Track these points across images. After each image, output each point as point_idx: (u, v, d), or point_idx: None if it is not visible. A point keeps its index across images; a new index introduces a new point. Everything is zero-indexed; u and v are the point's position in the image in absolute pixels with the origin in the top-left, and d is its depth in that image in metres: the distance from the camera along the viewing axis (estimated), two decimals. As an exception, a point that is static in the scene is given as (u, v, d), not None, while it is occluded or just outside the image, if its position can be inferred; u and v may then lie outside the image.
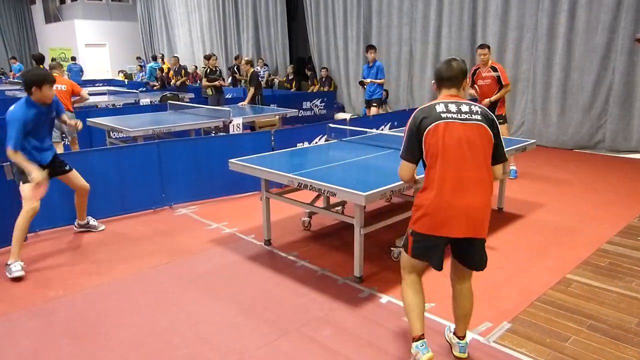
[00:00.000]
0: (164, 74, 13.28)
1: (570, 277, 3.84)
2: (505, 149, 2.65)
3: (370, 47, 8.68)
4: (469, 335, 3.06)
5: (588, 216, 5.23)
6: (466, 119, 2.49)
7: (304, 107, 11.87)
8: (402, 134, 2.64)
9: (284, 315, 3.35)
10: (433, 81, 2.73)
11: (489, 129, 2.52)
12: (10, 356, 2.97)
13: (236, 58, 11.55)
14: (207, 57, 10.21)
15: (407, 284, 2.72)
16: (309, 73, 13.94)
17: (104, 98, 11.45)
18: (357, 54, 12.68)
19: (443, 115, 2.48)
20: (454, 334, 2.87)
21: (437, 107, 2.52)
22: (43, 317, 3.41)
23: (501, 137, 2.60)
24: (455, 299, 2.80)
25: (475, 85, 6.65)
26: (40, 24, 25.26)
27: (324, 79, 13.47)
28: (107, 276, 4.02)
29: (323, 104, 12.31)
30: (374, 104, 8.69)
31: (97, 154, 5.30)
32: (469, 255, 2.65)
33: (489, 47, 6.62)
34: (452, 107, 2.51)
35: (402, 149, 2.64)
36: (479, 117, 2.51)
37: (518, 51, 9.33)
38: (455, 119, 2.48)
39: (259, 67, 15.06)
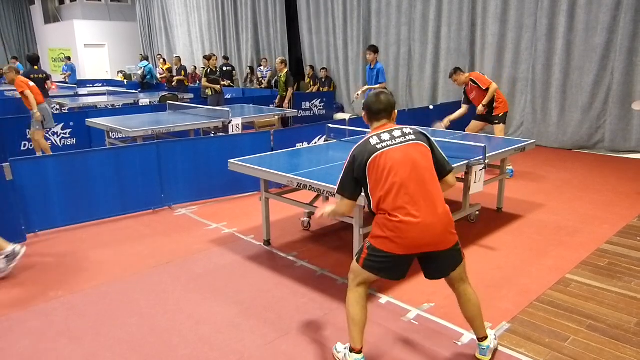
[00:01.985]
0: (169, 74, 13.30)
1: (569, 277, 3.85)
2: (445, 157, 2.74)
3: (369, 48, 8.52)
4: (467, 336, 3.06)
5: (587, 216, 5.23)
6: (401, 142, 2.57)
7: (303, 107, 11.87)
8: (343, 166, 2.69)
9: (283, 316, 3.35)
10: (364, 113, 2.79)
11: (424, 144, 2.63)
12: (10, 356, 2.97)
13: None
14: (208, 58, 10.21)
15: (356, 298, 2.67)
16: (309, 73, 13.94)
17: (103, 98, 11.44)
18: (357, 55, 12.68)
19: (378, 146, 2.55)
20: (477, 338, 2.83)
21: (371, 140, 2.59)
22: (43, 317, 3.41)
23: (437, 147, 2.71)
24: (459, 303, 2.79)
25: (469, 103, 6.98)
26: (39, 24, 25.24)
27: (323, 80, 13.47)
28: (106, 276, 4.02)
29: (322, 104, 12.32)
30: None
31: (96, 154, 5.30)
32: (439, 267, 2.65)
33: (457, 70, 6.94)
34: (385, 136, 2.59)
35: (338, 185, 2.70)
36: (412, 137, 2.61)
37: (517, 51, 9.33)
38: (390, 145, 2.55)
39: (262, 68, 15.06)
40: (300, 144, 6.65)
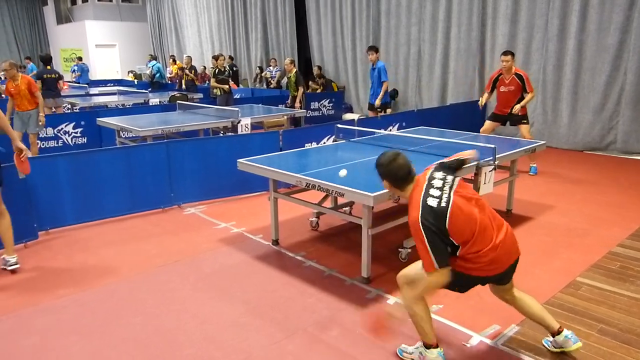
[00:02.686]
0: (182, 73, 13.35)
1: (580, 280, 3.80)
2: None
3: (368, 49, 8.42)
4: (477, 338, 3.03)
5: (598, 218, 5.17)
6: (450, 188, 2.57)
7: (312, 107, 11.86)
8: (422, 241, 2.47)
9: (290, 315, 3.35)
10: (385, 182, 2.71)
11: (460, 178, 2.70)
12: (20, 353, 2.99)
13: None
14: (216, 58, 10.23)
15: (421, 299, 2.64)
16: (317, 72, 13.93)
17: (114, 98, 11.53)
18: (366, 55, 12.57)
19: (443, 204, 2.49)
20: (552, 336, 2.81)
21: (430, 203, 2.49)
22: (52, 314, 3.43)
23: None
24: (518, 309, 2.83)
25: (496, 91, 6.87)
26: (52, 24, 25.48)
27: (316, 79, 13.49)
28: (115, 275, 4.04)
29: (331, 104, 12.31)
30: (378, 110, 8.46)
31: (106, 153, 5.32)
32: (505, 279, 2.71)
33: (512, 54, 6.75)
34: (435, 192, 2.54)
35: (434, 260, 2.45)
36: (450, 178, 2.63)
37: (528, 52, 9.26)
38: (447, 196, 2.52)
39: (271, 67, 15.08)
40: (309, 144, 6.65)
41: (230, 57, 14.33)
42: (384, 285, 3.73)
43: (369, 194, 3.34)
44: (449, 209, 2.48)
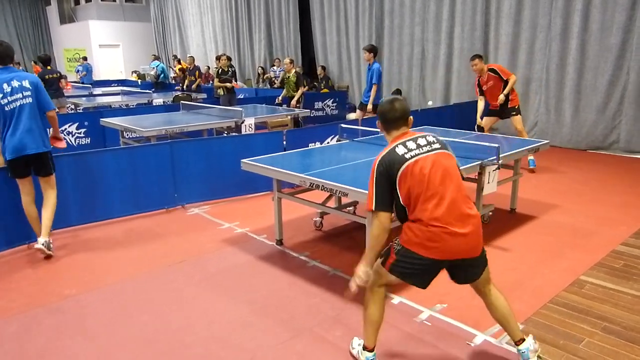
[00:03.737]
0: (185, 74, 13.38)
1: (584, 278, 3.81)
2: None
3: (364, 48, 8.21)
4: (480, 337, 3.05)
5: (602, 217, 5.17)
6: (429, 151, 2.54)
7: (315, 107, 11.88)
8: (371, 180, 2.57)
9: (296, 315, 3.36)
10: (378, 122, 2.74)
11: (450, 153, 2.64)
12: (27, 353, 3.02)
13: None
14: (218, 58, 10.24)
15: (375, 299, 2.68)
16: (321, 73, 13.93)
17: (118, 98, 11.56)
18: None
19: (407, 155, 2.50)
20: (514, 342, 2.70)
21: (397, 150, 2.53)
22: (58, 315, 3.46)
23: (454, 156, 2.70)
24: (487, 305, 2.73)
25: (484, 94, 7.11)
26: (55, 25, 25.53)
27: (320, 78, 13.49)
28: (120, 275, 4.07)
29: (335, 104, 12.32)
30: (359, 109, 8.31)
31: (110, 153, 5.35)
32: (470, 273, 2.63)
33: (479, 57, 7.04)
34: (411, 145, 2.54)
35: (373, 201, 2.53)
36: (438, 146, 2.59)
37: (531, 51, 9.26)
38: (419, 154, 2.51)
39: (275, 67, 15.09)
40: (313, 144, 6.66)
41: (228, 58, 14.34)
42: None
43: (373, 193, 3.34)
44: (411, 161, 2.48)
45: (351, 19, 12.99)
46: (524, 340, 2.66)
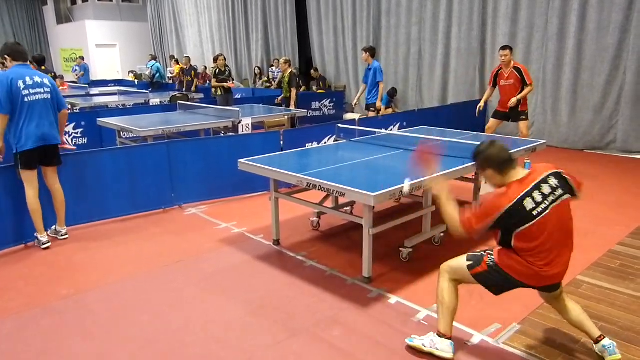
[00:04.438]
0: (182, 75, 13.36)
1: (580, 278, 3.82)
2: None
3: (363, 49, 8.30)
4: (477, 337, 3.05)
5: (599, 217, 5.19)
6: (553, 202, 2.52)
7: (312, 107, 11.87)
8: (487, 216, 2.55)
9: (293, 315, 3.36)
10: (488, 171, 2.66)
11: (570, 196, 2.61)
12: (23, 354, 3.01)
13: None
14: (215, 59, 10.25)
15: (452, 289, 2.75)
16: (315, 75, 13.92)
17: (114, 98, 11.53)
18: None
19: (534, 212, 2.48)
20: (593, 342, 2.78)
21: (525, 204, 2.48)
22: (55, 315, 3.45)
23: (570, 176, 2.67)
24: (562, 314, 2.83)
25: (497, 86, 7.01)
26: (51, 24, 25.45)
27: (316, 79, 13.48)
28: (118, 275, 4.06)
29: (332, 104, 12.32)
30: (371, 109, 8.37)
31: (107, 153, 5.34)
32: (549, 289, 2.74)
33: (511, 49, 6.89)
34: (538, 197, 2.50)
35: (475, 220, 2.57)
36: (562, 192, 2.57)
37: (528, 51, 9.28)
38: (545, 209, 2.49)
39: (273, 68, 15.09)
40: (310, 144, 6.66)
41: (223, 58, 14.34)
42: (386, 285, 3.75)
43: (370, 193, 3.35)
44: (536, 220, 2.48)
45: (348, 19, 13.00)
46: (603, 337, 2.73)
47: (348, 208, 5.02)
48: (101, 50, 23.06)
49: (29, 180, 4.50)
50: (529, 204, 2.49)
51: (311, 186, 3.78)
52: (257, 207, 5.72)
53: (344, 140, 5.60)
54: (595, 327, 2.78)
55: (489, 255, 2.66)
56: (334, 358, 2.89)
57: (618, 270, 3.96)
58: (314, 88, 13.50)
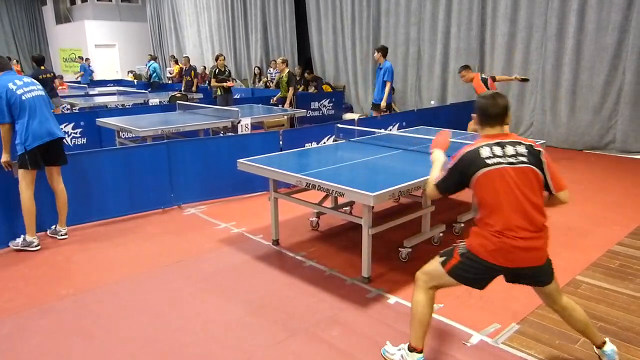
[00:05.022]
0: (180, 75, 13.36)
1: (579, 278, 3.82)
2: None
3: (375, 48, 8.39)
4: (477, 337, 3.05)
5: (598, 217, 5.19)
6: (512, 163, 2.44)
7: (312, 107, 11.87)
8: (450, 165, 2.59)
9: (292, 315, 3.36)
10: (474, 115, 2.65)
11: (536, 169, 2.48)
12: (22, 354, 3.01)
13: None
14: (215, 58, 10.26)
15: (427, 300, 2.65)
16: (309, 77, 13.92)
17: (114, 98, 11.53)
18: (366, 55, 12.66)
19: (489, 161, 2.44)
20: (595, 347, 2.71)
21: (481, 152, 2.47)
22: (54, 315, 3.45)
23: (548, 167, 2.53)
24: (563, 317, 2.71)
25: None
26: (50, 24, 25.44)
27: (309, 80, 13.48)
28: (117, 275, 4.05)
29: (331, 104, 12.32)
30: (372, 109, 8.44)
31: (106, 154, 5.33)
32: (533, 280, 2.60)
33: (465, 68, 7.36)
34: (497, 151, 2.47)
35: (440, 182, 2.62)
36: (524, 159, 2.46)
37: (527, 51, 9.28)
38: (501, 164, 2.44)
39: (271, 69, 15.09)
40: (309, 144, 6.66)
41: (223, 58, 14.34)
42: (385, 285, 3.75)
43: (369, 193, 3.35)
44: (489, 169, 2.43)
45: (347, 18, 12.99)
46: (605, 342, 2.67)
47: (347, 208, 5.02)
48: (100, 50, 23.05)
49: (29, 181, 4.49)
50: (485, 152, 2.47)
51: (310, 186, 3.78)
52: (256, 207, 5.72)
53: (343, 140, 5.61)
54: (598, 333, 2.71)
55: (459, 246, 2.60)
56: (333, 358, 2.89)
57: (617, 270, 3.96)
58: (313, 89, 13.48)
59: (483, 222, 2.51)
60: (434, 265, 2.65)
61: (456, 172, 2.55)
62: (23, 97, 4.42)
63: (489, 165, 2.44)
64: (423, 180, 3.68)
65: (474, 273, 2.54)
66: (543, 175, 2.50)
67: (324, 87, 13.54)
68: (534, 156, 2.50)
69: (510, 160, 2.45)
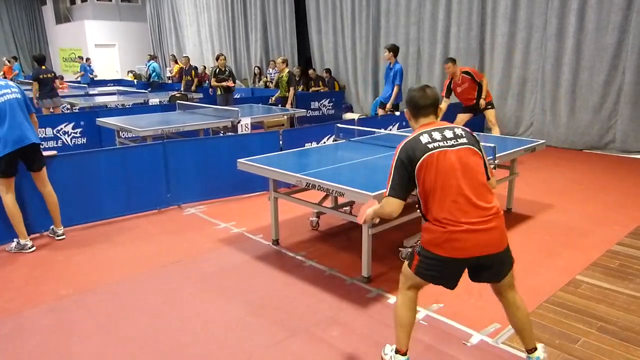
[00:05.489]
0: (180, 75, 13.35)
1: (580, 278, 3.82)
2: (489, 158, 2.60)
3: (385, 47, 8.31)
4: (477, 337, 3.05)
5: (598, 217, 5.19)
6: (453, 145, 2.44)
7: (312, 107, 11.87)
8: (391, 167, 2.52)
9: (292, 315, 3.36)
10: (406, 109, 2.66)
11: (476, 149, 2.51)
12: (21, 354, 3.00)
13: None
14: (216, 58, 10.26)
15: (405, 302, 2.60)
16: (313, 75, 13.90)
17: (114, 98, 11.53)
18: (365, 55, 12.67)
19: (430, 146, 2.42)
20: (526, 350, 2.65)
21: (421, 138, 2.45)
22: (54, 315, 3.44)
23: (484, 152, 2.57)
24: (506, 311, 2.65)
25: (454, 93, 7.57)
26: (50, 24, 25.46)
27: (327, 80, 13.44)
28: (116, 275, 4.05)
29: (331, 104, 12.31)
30: (390, 110, 8.36)
31: (103, 154, 5.32)
32: (493, 272, 2.51)
33: (452, 61, 7.40)
34: (437, 135, 2.46)
35: (388, 186, 2.52)
36: (465, 140, 2.48)
37: (527, 51, 9.28)
38: (442, 147, 2.42)
39: (271, 70, 15.09)
40: (309, 144, 6.66)
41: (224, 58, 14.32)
42: (385, 285, 3.75)
43: (369, 193, 3.35)
44: (432, 152, 2.40)
45: (347, 18, 12.99)
46: (535, 349, 2.62)
47: (347, 208, 5.02)
48: (100, 50, 23.06)
49: (7, 187, 4.39)
50: (424, 138, 2.45)
51: (310, 186, 3.78)
52: (256, 207, 5.72)
53: (343, 140, 5.60)
54: (534, 338, 2.63)
55: (417, 245, 2.55)
56: (333, 358, 2.89)
57: (617, 270, 3.96)
58: (321, 87, 13.45)
59: (428, 213, 2.46)
60: (404, 267, 2.62)
61: (401, 166, 2.47)
62: None
63: (430, 149, 2.41)
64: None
65: (436, 270, 2.47)
66: (482, 157, 2.52)
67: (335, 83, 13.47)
68: (474, 138, 2.54)
69: (451, 142, 2.44)
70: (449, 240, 2.38)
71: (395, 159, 2.50)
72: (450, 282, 2.53)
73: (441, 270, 2.47)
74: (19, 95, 4.44)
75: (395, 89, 8.14)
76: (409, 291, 2.61)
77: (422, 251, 2.50)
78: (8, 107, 4.32)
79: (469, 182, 2.41)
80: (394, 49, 8.17)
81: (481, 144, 2.58)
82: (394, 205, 2.51)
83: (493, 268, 2.49)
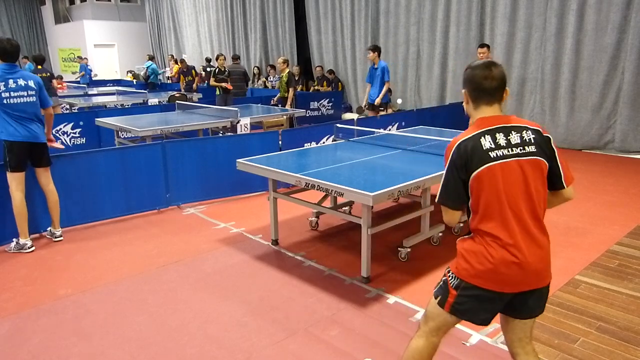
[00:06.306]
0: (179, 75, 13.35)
1: (579, 278, 3.82)
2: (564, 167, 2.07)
3: (368, 48, 8.39)
4: (476, 337, 3.05)
5: (597, 217, 5.19)
6: (518, 155, 1.96)
7: (311, 107, 11.87)
8: (443, 168, 2.08)
9: (291, 315, 3.36)
10: (463, 90, 2.10)
11: (544, 160, 2.00)
12: (20, 354, 3.00)
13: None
14: (216, 58, 10.27)
15: (427, 349, 2.17)
16: (318, 74, 13.90)
17: (113, 98, 11.52)
18: (365, 55, 12.65)
19: (492, 154, 1.94)
20: None
21: (483, 142, 1.96)
22: (52, 315, 3.44)
23: (557, 156, 2.05)
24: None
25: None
26: (50, 24, 25.43)
27: (331, 80, 13.43)
28: (115, 275, 4.05)
29: (330, 104, 12.32)
30: (380, 109, 8.42)
31: (102, 154, 5.32)
32: (528, 304, 2.06)
33: (488, 47, 7.27)
34: (501, 139, 1.97)
35: (440, 193, 2.06)
36: (533, 149, 1.98)
37: (526, 51, 9.28)
38: (506, 156, 1.94)
39: (271, 77, 15.07)
40: (309, 144, 6.66)
41: (207, 59, 14.28)
42: (384, 285, 3.74)
43: (368, 193, 3.35)
44: (491, 164, 1.93)
45: (346, 18, 13.00)
46: None
47: (347, 208, 5.02)
48: (99, 50, 23.04)
49: (17, 183, 4.48)
50: (486, 141, 1.96)
51: (310, 186, 3.78)
52: (255, 207, 5.72)
53: (343, 140, 5.60)
54: None
55: (448, 274, 2.09)
56: (332, 358, 2.89)
57: (616, 270, 3.96)
58: (324, 87, 13.44)
59: (476, 226, 2.01)
60: (432, 304, 2.16)
61: (454, 170, 2.00)
62: (5, 102, 4.36)
63: (491, 159, 1.94)
64: (422, 180, 3.68)
65: (478, 305, 2.03)
66: (550, 167, 2.03)
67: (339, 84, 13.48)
68: (542, 144, 2.02)
69: (517, 150, 1.96)
70: (496, 271, 1.96)
71: (449, 160, 2.02)
72: (489, 318, 2.09)
73: (485, 305, 2.04)
74: (34, 99, 4.52)
75: (385, 85, 8.20)
76: (433, 337, 2.19)
77: (459, 283, 2.04)
78: (20, 109, 4.43)
79: (531, 203, 1.97)
80: (379, 49, 8.29)
81: (552, 142, 2.06)
82: (447, 215, 2.10)
83: (530, 303, 2.06)
